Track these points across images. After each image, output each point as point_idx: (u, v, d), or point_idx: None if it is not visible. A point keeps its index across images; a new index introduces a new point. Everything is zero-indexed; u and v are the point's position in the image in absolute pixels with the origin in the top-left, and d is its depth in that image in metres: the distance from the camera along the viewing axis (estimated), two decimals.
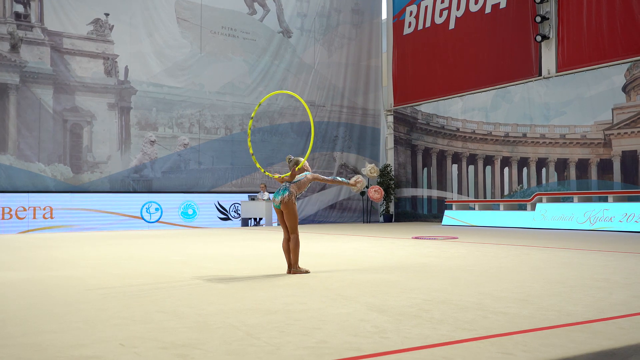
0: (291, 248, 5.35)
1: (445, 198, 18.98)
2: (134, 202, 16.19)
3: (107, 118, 16.51)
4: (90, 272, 5.61)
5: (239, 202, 17.66)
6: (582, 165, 15.71)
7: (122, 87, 16.76)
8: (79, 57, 16.21)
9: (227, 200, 17.75)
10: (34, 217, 14.75)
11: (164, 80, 17.51)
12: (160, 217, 16.52)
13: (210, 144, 18.26)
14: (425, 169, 20.24)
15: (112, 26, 16.73)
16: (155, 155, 17.18)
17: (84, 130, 16.20)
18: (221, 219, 17.59)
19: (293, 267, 5.38)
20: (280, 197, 5.33)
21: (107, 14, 16.67)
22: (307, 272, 5.40)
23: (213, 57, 18.46)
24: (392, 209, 20.99)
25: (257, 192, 17.73)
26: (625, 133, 14.78)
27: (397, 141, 21.33)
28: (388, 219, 20.65)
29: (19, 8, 15.56)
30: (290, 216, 5.31)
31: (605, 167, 15.20)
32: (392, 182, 20.55)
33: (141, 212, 16.24)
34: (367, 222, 20.16)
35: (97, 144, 16.34)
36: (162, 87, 17.44)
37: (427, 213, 19.83)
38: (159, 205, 16.52)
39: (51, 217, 14.94)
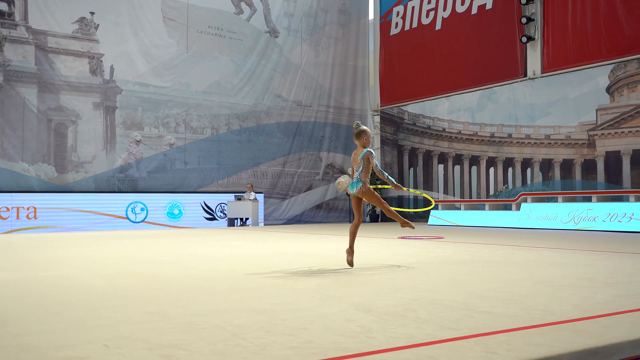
0: (351, 232, 5.75)
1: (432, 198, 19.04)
2: (119, 202, 16.08)
3: (92, 117, 16.40)
4: (74, 273, 5.57)
5: (225, 202, 17.61)
6: (567, 166, 15.86)
7: (107, 87, 16.65)
8: (63, 56, 16.08)
9: (213, 200, 17.70)
10: (18, 218, 14.61)
11: (150, 80, 17.42)
12: (146, 217, 16.42)
13: (197, 144, 18.19)
14: (412, 169, 20.31)
15: (98, 25, 16.61)
16: (140, 155, 17.08)
17: (68, 129, 16.07)
18: (207, 219, 17.52)
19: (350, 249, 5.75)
20: (354, 190, 5.70)
21: (92, 13, 16.56)
22: (351, 264, 5.70)
23: (199, 56, 18.40)
24: (378, 209, 21.03)
25: (244, 192, 17.69)
26: (609, 134, 14.94)
27: (383, 141, 21.38)
28: (374, 218, 20.70)
29: (3, 6, 15.40)
30: (373, 199, 5.69)
31: (589, 167, 15.35)
32: (378, 182, 20.59)
33: (126, 212, 16.14)
34: None
35: (82, 143, 16.22)
36: (147, 87, 17.35)
37: (413, 213, 19.91)
38: (144, 205, 16.42)
39: (35, 218, 14.81)
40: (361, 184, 5.68)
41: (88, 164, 16.27)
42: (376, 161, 5.77)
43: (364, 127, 5.90)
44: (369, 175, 5.78)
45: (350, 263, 5.70)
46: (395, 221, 5.91)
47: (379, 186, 5.53)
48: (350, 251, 5.75)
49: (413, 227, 6.00)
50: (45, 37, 15.84)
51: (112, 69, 16.76)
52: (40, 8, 15.82)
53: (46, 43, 15.84)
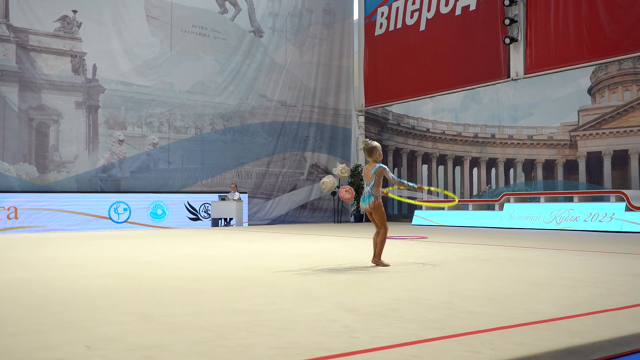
0: (378, 241, 5.87)
1: (415, 198, 19.13)
2: (101, 202, 15.95)
3: (74, 117, 16.24)
4: (56, 274, 5.51)
5: (209, 202, 17.54)
6: (549, 166, 16.00)
7: (90, 86, 16.50)
8: (45, 54, 15.91)
9: (197, 200, 17.61)
10: None
11: (133, 79, 17.29)
12: (129, 217, 16.30)
13: (180, 144, 18.10)
14: (396, 169, 20.38)
15: (80, 23, 16.46)
16: (123, 155, 16.96)
17: (50, 129, 15.91)
18: (191, 219, 17.44)
19: (376, 257, 5.87)
20: (367, 204, 5.84)
21: (74, 11, 16.40)
22: (387, 265, 5.81)
23: (183, 55, 18.30)
24: (362, 210, 21.06)
25: (228, 192, 17.63)
26: (591, 134, 15.10)
27: None
28: (359, 218, 20.74)
29: None
30: (378, 216, 5.84)
31: (571, 167, 15.51)
32: (362, 182, 20.61)
33: (109, 212, 16.01)
34: (338, 222, 20.21)
35: (63, 143, 16.06)
36: (131, 86, 17.23)
37: (397, 213, 19.98)
38: (127, 205, 16.30)
39: (16, 218, 14.63)
40: (373, 199, 5.79)
41: (70, 163, 16.11)
42: (392, 174, 5.82)
43: (374, 144, 5.95)
44: (380, 189, 5.89)
45: (385, 264, 5.84)
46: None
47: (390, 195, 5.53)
48: (376, 259, 5.89)
49: (387, 265, 5.86)
50: (26, 35, 15.66)
51: (94, 67, 16.62)
52: (22, 6, 15.63)
53: (27, 41, 15.66)
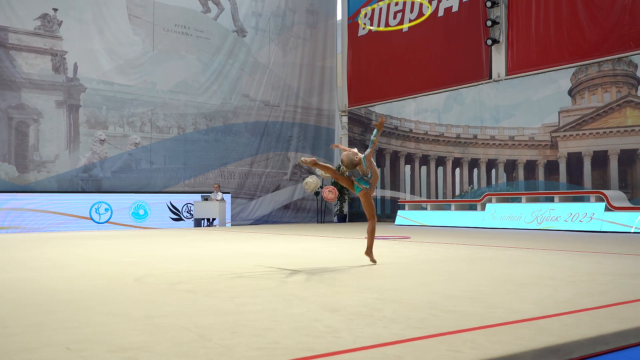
0: (368, 232, 6.08)
1: (398, 198, 19.22)
2: (82, 202, 15.78)
3: (54, 116, 16.06)
4: (36, 275, 5.45)
5: (192, 202, 17.45)
6: (530, 166, 16.16)
7: (70, 85, 16.33)
8: (25, 52, 15.72)
9: (179, 200, 17.50)
10: None
11: (115, 78, 17.15)
12: (110, 217, 16.16)
13: (163, 144, 17.98)
14: (379, 169, 20.42)
15: (61, 22, 16.28)
16: (105, 155, 16.81)
17: (30, 128, 15.72)
18: (173, 219, 17.33)
19: (368, 249, 6.08)
20: (362, 187, 5.95)
21: (55, 9, 16.22)
22: (374, 262, 6.00)
23: (166, 55, 18.19)
24: (345, 209, 21.12)
25: (211, 192, 17.55)
26: (571, 135, 15.28)
27: (351, 142, 21.46)
28: (342, 219, 20.77)
29: None
30: (367, 204, 6.00)
31: (551, 168, 15.68)
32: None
33: (90, 212, 15.85)
34: (321, 222, 20.22)
35: (44, 142, 15.87)
36: (112, 85, 17.08)
37: (381, 213, 20.03)
38: (108, 205, 16.16)
39: None
40: (369, 186, 5.96)
41: (50, 163, 15.93)
42: (363, 156, 5.94)
43: (347, 159, 5.90)
44: (377, 178, 6.05)
45: (372, 259, 6.06)
46: (362, 222, 6.07)
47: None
48: (367, 251, 6.10)
49: (374, 262, 6.04)
50: (6, 34, 15.45)
51: (75, 66, 16.45)
52: (1, 4, 15.42)
53: (7, 39, 15.45)
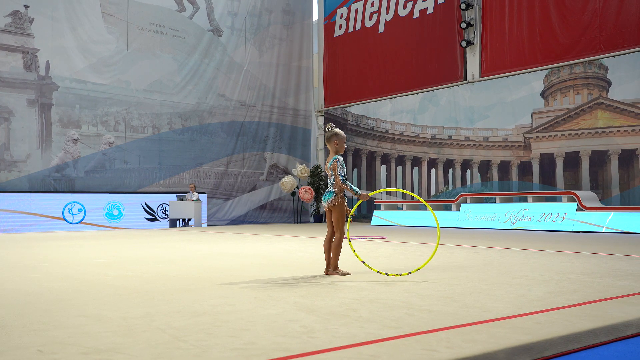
0: (333, 247, 5.17)
1: (374, 198, 19.29)
2: (55, 202, 15.54)
3: (26, 115, 15.79)
4: (6, 276, 5.34)
5: (167, 203, 17.30)
6: (504, 167, 16.35)
7: (42, 83, 16.07)
8: None
9: (154, 200, 17.34)
10: None
11: (88, 77, 16.92)
12: (84, 217, 15.94)
13: (137, 143, 17.79)
14: (355, 169, 20.49)
15: (33, 19, 16.01)
16: (78, 154, 16.57)
17: (0, 127, 15.43)
18: (148, 219, 17.17)
19: (331, 268, 5.15)
20: (326, 201, 5.13)
21: (26, 6, 15.95)
22: (347, 274, 5.11)
23: (140, 53, 18.00)
24: (322, 210, 21.13)
25: (186, 192, 17.42)
26: (544, 137, 15.50)
27: None
28: (318, 219, 20.78)
29: None
30: (336, 216, 5.10)
31: (525, 169, 15.88)
32: (322, 182, 20.69)
33: (63, 212, 15.62)
34: (297, 223, 20.21)
35: (15, 141, 15.59)
36: (86, 84, 16.85)
37: (357, 213, 20.09)
38: (82, 205, 15.93)
39: None
40: (334, 196, 5.08)
41: (22, 162, 15.66)
42: (342, 170, 5.03)
43: (336, 130, 5.15)
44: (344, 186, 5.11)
45: (342, 273, 5.14)
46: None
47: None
48: (331, 270, 5.16)
49: (348, 274, 5.14)
50: None
51: (47, 64, 16.19)
52: None
53: None
